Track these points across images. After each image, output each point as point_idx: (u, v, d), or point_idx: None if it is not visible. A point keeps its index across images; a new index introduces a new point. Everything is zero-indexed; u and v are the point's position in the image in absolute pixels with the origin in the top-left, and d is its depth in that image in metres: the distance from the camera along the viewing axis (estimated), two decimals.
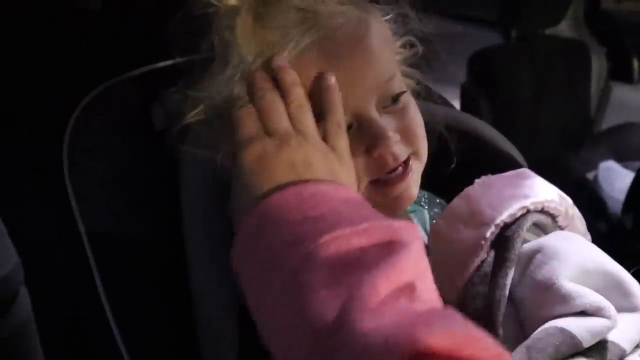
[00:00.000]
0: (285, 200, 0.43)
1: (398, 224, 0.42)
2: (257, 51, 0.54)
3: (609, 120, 2.13)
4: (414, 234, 0.42)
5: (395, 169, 0.56)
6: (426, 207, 0.69)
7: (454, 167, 0.68)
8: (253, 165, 0.46)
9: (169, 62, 0.66)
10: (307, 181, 0.45)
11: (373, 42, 0.56)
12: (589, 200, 1.69)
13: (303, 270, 0.39)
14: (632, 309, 0.53)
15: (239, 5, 0.55)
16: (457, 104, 1.80)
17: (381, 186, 0.57)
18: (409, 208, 0.67)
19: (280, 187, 0.44)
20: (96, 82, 0.68)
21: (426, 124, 0.63)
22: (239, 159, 0.47)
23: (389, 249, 0.40)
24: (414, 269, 0.40)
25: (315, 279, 0.38)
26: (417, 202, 0.69)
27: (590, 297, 0.50)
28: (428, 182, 0.69)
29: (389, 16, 0.61)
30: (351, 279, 0.38)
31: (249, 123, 0.49)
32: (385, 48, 0.57)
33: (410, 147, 0.57)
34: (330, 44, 0.54)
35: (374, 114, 0.56)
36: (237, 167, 0.47)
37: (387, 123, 0.56)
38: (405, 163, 0.57)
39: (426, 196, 0.70)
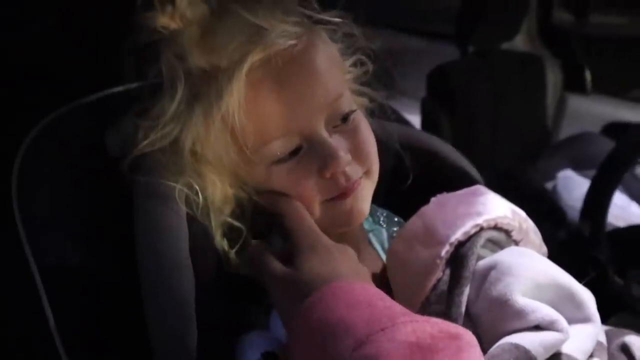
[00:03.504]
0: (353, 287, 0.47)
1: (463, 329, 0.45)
2: (203, 67, 0.54)
3: (566, 130, 2.19)
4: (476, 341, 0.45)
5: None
6: (385, 226, 0.69)
7: (411, 185, 0.69)
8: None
9: (120, 89, 0.66)
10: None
11: (319, 62, 0.56)
12: (548, 209, 1.72)
13: (381, 341, 0.41)
14: (584, 319, 0.54)
15: (183, 29, 0.56)
16: (419, 119, 1.83)
17: (333, 203, 0.57)
18: (367, 227, 0.68)
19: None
20: (49, 108, 0.67)
21: (382, 142, 0.64)
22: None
23: (457, 342, 0.43)
24: None
25: (394, 352, 0.40)
26: (376, 221, 0.69)
27: (543, 311, 0.51)
28: (386, 200, 0.69)
29: (337, 36, 0.61)
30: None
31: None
32: (332, 68, 0.58)
33: (362, 166, 0.58)
34: (277, 64, 0.54)
35: (324, 133, 0.56)
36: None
37: (338, 143, 0.56)
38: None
39: (385, 215, 0.71)
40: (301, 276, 0.49)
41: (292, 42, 0.55)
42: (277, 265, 0.52)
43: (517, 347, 0.49)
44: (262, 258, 0.53)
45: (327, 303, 0.45)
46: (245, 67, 0.53)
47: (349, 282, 0.47)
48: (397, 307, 0.45)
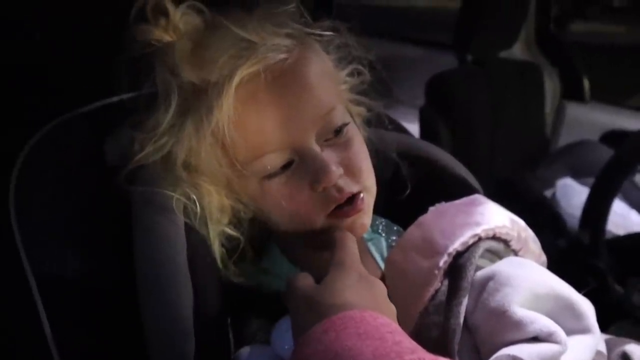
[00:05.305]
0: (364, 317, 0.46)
1: None
2: (194, 82, 0.54)
3: (564, 138, 2.19)
4: None
5: (346, 201, 0.56)
6: (384, 234, 0.69)
7: (410, 194, 0.69)
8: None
9: (117, 98, 0.66)
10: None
11: (311, 75, 0.55)
12: (548, 218, 1.72)
13: None
14: (584, 330, 0.54)
15: (175, 42, 0.55)
16: (417, 128, 1.83)
17: (335, 220, 0.56)
18: (366, 236, 0.68)
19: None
20: (47, 118, 0.67)
21: (380, 152, 0.64)
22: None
23: None
24: None
25: None
26: (375, 230, 0.69)
27: (542, 322, 0.51)
28: (385, 209, 0.69)
29: (331, 47, 0.61)
30: None
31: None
32: (324, 80, 0.57)
33: (357, 180, 0.57)
34: (267, 78, 0.53)
35: (315, 147, 0.55)
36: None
37: (329, 156, 0.55)
38: (355, 196, 0.56)
39: (384, 223, 0.70)
40: (322, 294, 0.49)
41: (283, 55, 0.54)
42: (304, 280, 0.51)
43: (514, 359, 0.49)
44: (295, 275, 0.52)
45: (337, 331, 0.44)
46: (235, 81, 0.52)
47: (361, 312, 0.46)
48: (406, 343, 0.44)
